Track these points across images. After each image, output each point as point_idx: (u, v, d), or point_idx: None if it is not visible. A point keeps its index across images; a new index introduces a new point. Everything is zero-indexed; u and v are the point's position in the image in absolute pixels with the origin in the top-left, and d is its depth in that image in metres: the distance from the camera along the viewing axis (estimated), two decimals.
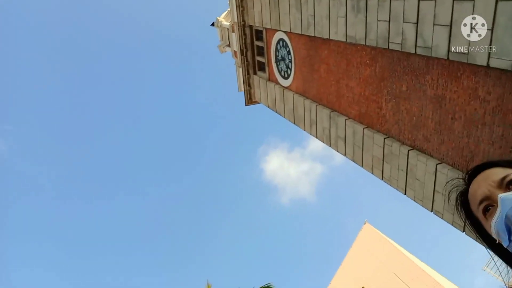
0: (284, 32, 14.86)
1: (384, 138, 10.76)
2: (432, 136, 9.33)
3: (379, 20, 9.73)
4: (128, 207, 61.27)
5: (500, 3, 6.84)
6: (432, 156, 9.41)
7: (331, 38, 11.89)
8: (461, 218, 1.21)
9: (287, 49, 15.13)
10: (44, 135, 58.13)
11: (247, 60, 17.66)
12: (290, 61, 15.07)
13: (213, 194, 66.32)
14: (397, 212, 67.33)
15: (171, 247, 61.15)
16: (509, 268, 1.14)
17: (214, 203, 66.85)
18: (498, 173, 1.12)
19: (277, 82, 16.49)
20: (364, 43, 10.50)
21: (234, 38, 17.85)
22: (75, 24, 57.02)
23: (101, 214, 59.71)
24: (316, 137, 14.25)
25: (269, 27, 15.53)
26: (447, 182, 1.23)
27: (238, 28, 16.96)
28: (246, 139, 70.71)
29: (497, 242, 1.08)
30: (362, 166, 12.05)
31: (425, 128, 9.47)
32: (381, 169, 11.16)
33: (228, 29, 18.98)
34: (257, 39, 17.17)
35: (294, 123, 15.58)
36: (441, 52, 8.19)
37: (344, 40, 11.29)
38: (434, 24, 8.20)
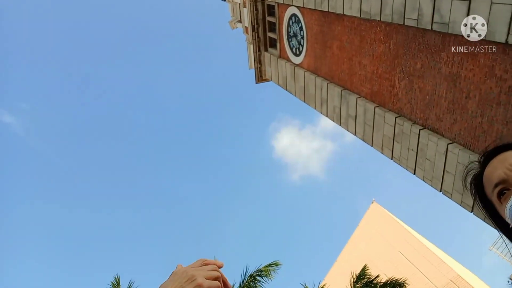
0: (297, 7, 14.53)
1: (396, 117, 10.64)
2: (444, 116, 9.19)
3: None
4: (143, 184, 62.40)
5: None
6: (443, 136, 9.29)
7: (345, 13, 11.61)
8: (477, 202, 1.18)
9: (300, 25, 14.84)
10: (61, 117, 58.84)
11: (258, 37, 17.39)
12: (302, 37, 14.80)
13: (224, 171, 67.00)
14: (406, 191, 67.33)
15: (179, 223, 62.47)
16: None
17: (224, 179, 67.64)
18: None
19: (288, 59, 16.26)
20: (379, 19, 10.24)
21: (246, 13, 17.53)
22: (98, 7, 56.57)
23: (117, 193, 60.98)
24: (327, 116, 14.13)
25: (281, 1, 15.19)
26: (466, 166, 1.20)
27: (250, 3, 16.63)
28: (257, 116, 70.63)
29: (510, 226, 1.03)
30: (372, 146, 11.97)
31: (438, 107, 9.32)
32: (391, 149, 11.08)
33: (239, 3, 18.63)
34: (269, 15, 16.85)
35: (305, 102, 15.45)
36: (458, 29, 7.95)
37: (358, 15, 11.01)
38: None
